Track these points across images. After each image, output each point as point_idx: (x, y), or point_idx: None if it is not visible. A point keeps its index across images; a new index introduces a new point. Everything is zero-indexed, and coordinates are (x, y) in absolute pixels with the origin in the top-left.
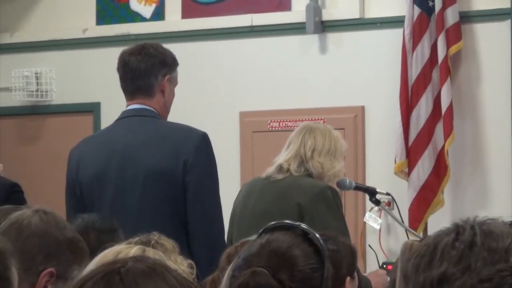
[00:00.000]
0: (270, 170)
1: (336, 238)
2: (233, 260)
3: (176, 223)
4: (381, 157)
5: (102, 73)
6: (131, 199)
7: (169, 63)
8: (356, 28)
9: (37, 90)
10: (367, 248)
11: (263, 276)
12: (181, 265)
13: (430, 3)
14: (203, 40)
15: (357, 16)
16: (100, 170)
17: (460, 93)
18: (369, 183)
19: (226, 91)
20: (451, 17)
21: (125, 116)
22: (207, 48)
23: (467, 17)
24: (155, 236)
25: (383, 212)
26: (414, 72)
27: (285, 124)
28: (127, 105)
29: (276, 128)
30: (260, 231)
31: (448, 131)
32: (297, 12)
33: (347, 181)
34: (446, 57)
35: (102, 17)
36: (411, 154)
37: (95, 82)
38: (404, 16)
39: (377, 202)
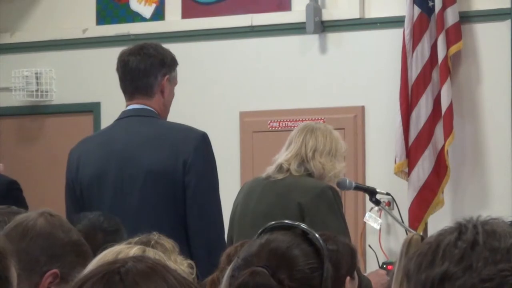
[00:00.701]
0: (270, 170)
1: (336, 238)
2: (233, 260)
3: (176, 223)
4: (381, 157)
5: (102, 73)
6: (131, 199)
7: (168, 63)
8: (356, 28)
9: (37, 90)
10: (367, 248)
11: (263, 275)
12: (181, 265)
13: (430, 3)
14: (203, 40)
15: (357, 16)
16: (100, 170)
17: (460, 93)
18: (369, 183)
19: (226, 91)
20: (451, 17)
21: (125, 116)
22: (207, 48)
23: (467, 17)
24: (155, 236)
25: (383, 212)
26: (414, 72)
27: (285, 124)
28: (127, 105)
29: (276, 128)
30: (260, 231)
31: (448, 131)
32: (297, 12)
33: (347, 181)
34: (446, 57)
35: (102, 17)
36: (411, 154)
37: (95, 82)
38: (404, 16)
39: (377, 202)
